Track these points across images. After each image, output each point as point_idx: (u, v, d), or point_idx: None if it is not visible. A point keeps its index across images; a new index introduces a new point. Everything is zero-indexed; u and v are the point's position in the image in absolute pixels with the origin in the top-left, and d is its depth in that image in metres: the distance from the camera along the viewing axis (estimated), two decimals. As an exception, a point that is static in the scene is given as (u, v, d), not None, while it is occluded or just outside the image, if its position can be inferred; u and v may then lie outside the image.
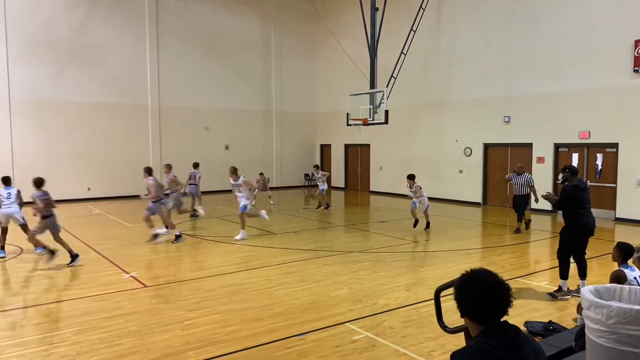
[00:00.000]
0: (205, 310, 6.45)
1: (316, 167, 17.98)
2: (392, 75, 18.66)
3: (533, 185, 12.26)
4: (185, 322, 6.02)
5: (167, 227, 11.31)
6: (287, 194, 22.09)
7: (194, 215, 14.71)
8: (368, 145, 22.37)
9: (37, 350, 5.21)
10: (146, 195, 11.12)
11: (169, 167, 14.00)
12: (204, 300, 6.88)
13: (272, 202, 17.83)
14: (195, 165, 15.84)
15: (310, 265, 8.99)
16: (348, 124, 18.68)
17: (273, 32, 23.62)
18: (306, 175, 25.16)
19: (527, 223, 12.54)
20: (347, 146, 23.91)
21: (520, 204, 12.25)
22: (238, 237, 11.26)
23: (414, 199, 12.59)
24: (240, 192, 11.71)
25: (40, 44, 17.96)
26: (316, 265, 8.94)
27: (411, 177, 12.66)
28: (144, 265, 9.04)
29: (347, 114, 18.59)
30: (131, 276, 8.17)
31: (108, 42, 19.35)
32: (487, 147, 17.73)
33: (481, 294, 2.04)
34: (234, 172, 11.77)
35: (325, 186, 16.82)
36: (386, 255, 9.90)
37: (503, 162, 17.23)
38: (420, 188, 12.51)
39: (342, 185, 24.22)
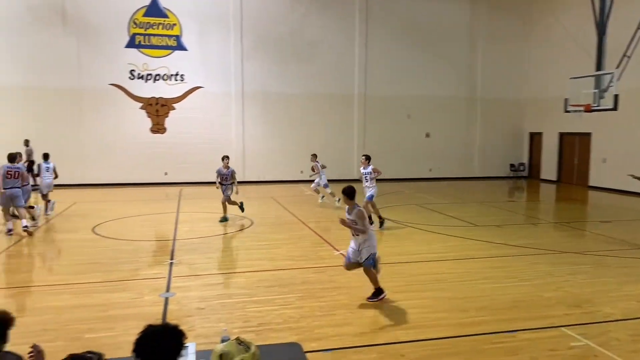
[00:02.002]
0: (410, 294, 6.69)
1: (366, 157, 11.85)
2: (624, 54, 16.23)
3: None
4: (392, 302, 6.34)
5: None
6: (490, 185, 21.12)
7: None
8: (588, 134, 19.89)
9: (270, 309, 6.09)
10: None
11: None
12: (409, 285, 7.13)
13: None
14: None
15: (517, 261, 8.53)
16: (566, 111, 16.93)
17: (482, 14, 22.56)
18: (512, 165, 23.63)
19: None
20: (562, 135, 21.65)
21: None
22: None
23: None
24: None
25: (267, 41, 20.39)
26: (524, 263, 8.45)
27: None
28: (352, 245, 9.69)
29: (566, 99, 16.84)
30: (340, 253, 8.88)
31: (321, 38, 20.93)
32: None
33: None
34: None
35: (375, 191, 11.55)
36: (610, 259, 8.81)
37: None
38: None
39: (554, 178, 22.08)
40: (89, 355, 2.26)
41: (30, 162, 16.71)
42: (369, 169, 11.52)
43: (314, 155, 15.32)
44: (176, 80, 19.68)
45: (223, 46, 19.96)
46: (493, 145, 23.33)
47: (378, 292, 6.42)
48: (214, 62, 19.96)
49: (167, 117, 19.79)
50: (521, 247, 9.55)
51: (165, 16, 19.25)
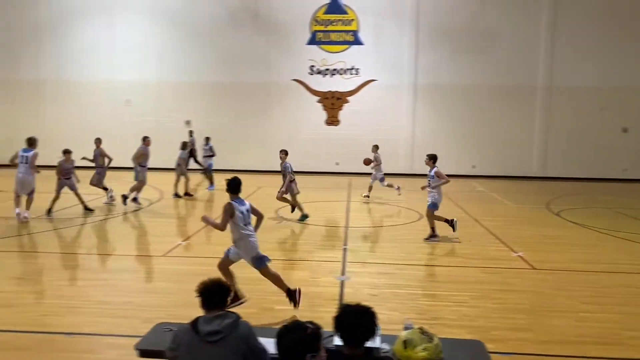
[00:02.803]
0: (601, 307, 6.05)
1: (430, 157, 9.91)
2: None
3: None
4: (579, 313, 5.82)
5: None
6: None
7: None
8: None
9: (443, 304, 6.07)
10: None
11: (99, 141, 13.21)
12: (599, 296, 6.45)
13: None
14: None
15: None
16: None
17: None
18: None
19: None
20: None
21: None
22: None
23: None
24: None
25: (443, 32, 19.94)
26: None
27: None
28: (530, 247, 9.05)
29: None
30: (518, 255, 8.39)
31: (500, 27, 19.71)
32: None
33: None
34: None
35: (437, 198, 9.58)
36: None
37: None
38: None
39: None
40: (310, 325, 2.56)
41: (192, 150, 19.32)
42: (432, 171, 9.58)
43: (376, 147, 14.81)
44: (351, 74, 20.45)
45: (398, 39, 20.10)
46: None
47: (291, 294, 5.74)
48: (387, 56, 20.23)
49: (341, 110, 20.71)
50: None
51: (345, 12, 20.09)
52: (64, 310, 5.77)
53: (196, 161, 18.70)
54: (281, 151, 11.68)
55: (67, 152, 11.65)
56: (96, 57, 20.79)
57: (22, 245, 9.07)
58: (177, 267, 7.67)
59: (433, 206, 9.49)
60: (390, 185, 14.40)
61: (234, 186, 5.67)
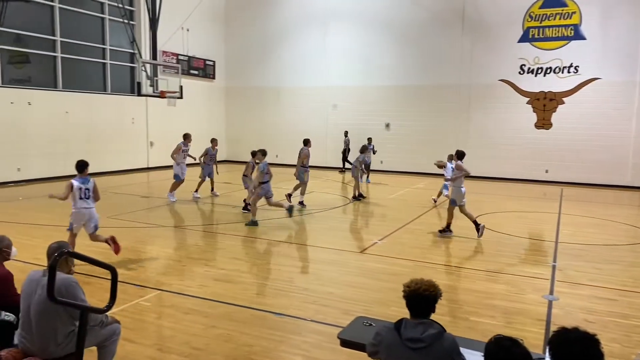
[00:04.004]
0: None
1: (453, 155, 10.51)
2: None
3: None
4: None
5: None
6: None
7: None
8: None
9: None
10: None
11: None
12: None
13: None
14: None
15: None
16: None
17: None
18: None
19: None
20: None
21: None
22: None
23: None
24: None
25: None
26: None
27: None
28: None
29: None
30: None
31: None
32: None
33: None
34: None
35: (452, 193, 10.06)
36: None
37: None
38: None
39: None
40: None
41: (347, 150, 20.76)
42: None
43: (450, 156, 12.52)
44: (569, 72, 18.39)
45: (631, 30, 17.38)
46: None
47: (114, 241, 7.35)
48: (616, 50, 17.65)
49: (554, 112, 18.81)
50: None
51: (564, 5, 18.16)
52: (274, 292, 6.43)
53: (347, 161, 19.78)
54: (260, 151, 11.07)
55: (213, 140, 13.67)
56: (309, 66, 22.74)
57: (240, 230, 10.37)
58: (374, 265, 7.88)
59: (452, 202, 9.81)
60: (440, 193, 13.60)
61: (78, 167, 7.12)
